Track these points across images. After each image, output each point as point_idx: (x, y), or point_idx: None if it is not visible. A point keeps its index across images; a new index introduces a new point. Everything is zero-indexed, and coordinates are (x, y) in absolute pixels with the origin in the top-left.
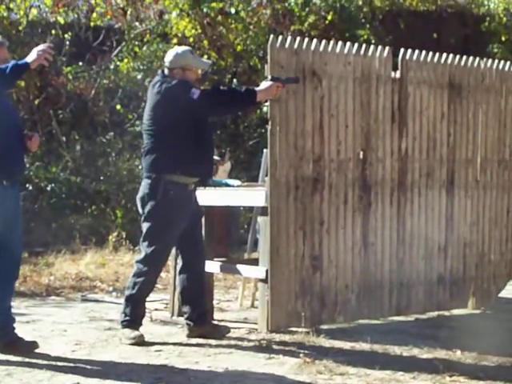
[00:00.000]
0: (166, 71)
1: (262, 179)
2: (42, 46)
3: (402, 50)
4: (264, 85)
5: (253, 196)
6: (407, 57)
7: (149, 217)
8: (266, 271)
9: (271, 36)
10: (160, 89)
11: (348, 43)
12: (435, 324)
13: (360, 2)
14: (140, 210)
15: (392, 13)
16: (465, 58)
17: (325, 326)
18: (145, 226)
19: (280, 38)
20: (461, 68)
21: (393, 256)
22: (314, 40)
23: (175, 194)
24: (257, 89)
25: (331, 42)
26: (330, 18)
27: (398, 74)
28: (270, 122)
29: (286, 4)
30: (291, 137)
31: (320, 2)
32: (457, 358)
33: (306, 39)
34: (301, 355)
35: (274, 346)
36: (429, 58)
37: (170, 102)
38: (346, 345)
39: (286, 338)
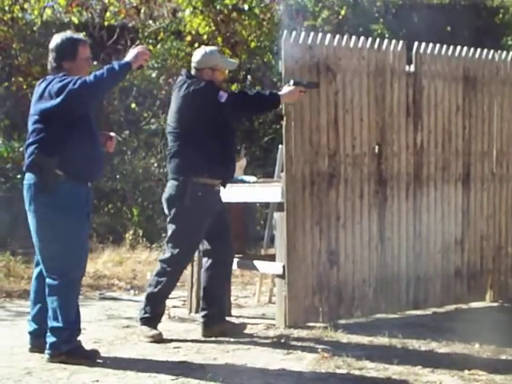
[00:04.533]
0: (193, 71)
1: (278, 175)
2: (140, 48)
3: (416, 43)
4: (287, 89)
5: (269, 192)
6: (421, 50)
7: (176, 218)
8: (283, 267)
9: (284, 31)
10: (188, 91)
11: (362, 37)
12: (453, 317)
13: None
14: (166, 211)
15: (405, 6)
16: (479, 50)
17: (342, 321)
18: (171, 227)
19: (293, 33)
20: (475, 61)
21: (409, 250)
22: (328, 35)
23: (203, 195)
24: (280, 93)
25: (345, 37)
26: (343, 12)
27: (412, 68)
28: (284, 118)
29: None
30: (306, 132)
31: None
32: (475, 352)
33: (320, 34)
34: (319, 350)
35: (292, 342)
36: (443, 52)
37: (197, 104)
38: (364, 339)
39: (304, 333)
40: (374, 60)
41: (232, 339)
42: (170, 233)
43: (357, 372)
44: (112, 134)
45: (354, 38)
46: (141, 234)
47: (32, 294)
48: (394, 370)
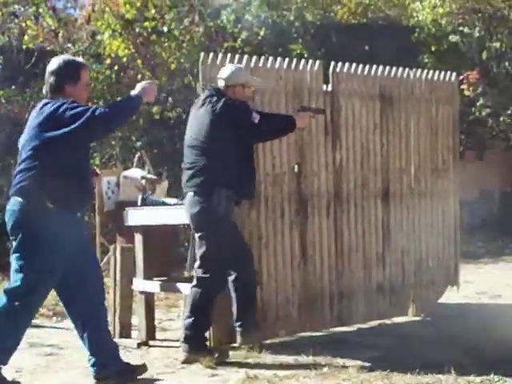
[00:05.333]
0: (222, 87)
1: None
2: (148, 82)
3: (333, 63)
4: (298, 114)
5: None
6: (338, 70)
7: (209, 233)
8: None
9: (201, 53)
10: (222, 107)
11: (279, 58)
12: (377, 333)
13: (291, 17)
14: (193, 227)
15: (324, 26)
16: (394, 69)
17: (267, 341)
18: (203, 243)
19: (211, 55)
20: (391, 79)
21: (332, 267)
22: (245, 56)
23: (230, 210)
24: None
25: (262, 58)
26: (262, 33)
27: (329, 87)
28: None
29: (219, 21)
30: None
31: (252, 18)
32: (398, 365)
33: (237, 55)
34: (244, 371)
35: (217, 363)
36: (359, 71)
37: (231, 122)
38: (289, 358)
39: (229, 354)
40: (291, 80)
41: (157, 362)
42: (202, 250)
43: None
44: (96, 169)
45: (270, 58)
46: None
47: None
48: None
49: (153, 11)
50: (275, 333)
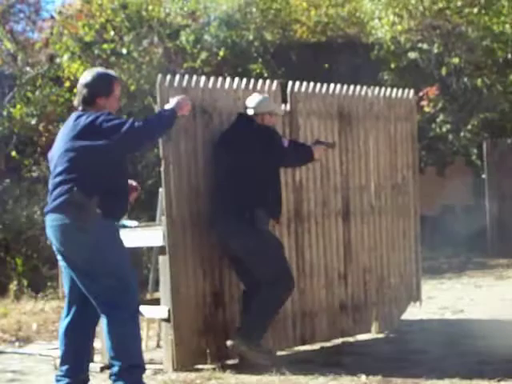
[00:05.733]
0: (252, 115)
1: (159, 218)
2: (183, 97)
3: (290, 82)
4: (314, 147)
5: (150, 236)
6: (296, 89)
7: (255, 245)
8: (169, 311)
9: (159, 75)
10: (258, 133)
11: (236, 79)
12: (340, 351)
13: (251, 37)
14: (237, 246)
15: (283, 46)
16: (352, 87)
17: (230, 361)
18: (253, 259)
19: (169, 76)
20: (349, 97)
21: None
22: (203, 77)
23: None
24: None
25: (220, 79)
26: (221, 53)
27: (287, 107)
28: (163, 162)
29: (178, 42)
30: (185, 175)
31: (211, 38)
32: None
33: (195, 77)
34: None
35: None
36: (317, 90)
37: (266, 146)
38: (253, 378)
39: (193, 376)
40: None
41: None
42: (256, 263)
43: None
44: (136, 184)
45: (228, 79)
46: (26, 284)
47: None
48: None
49: (111, 33)
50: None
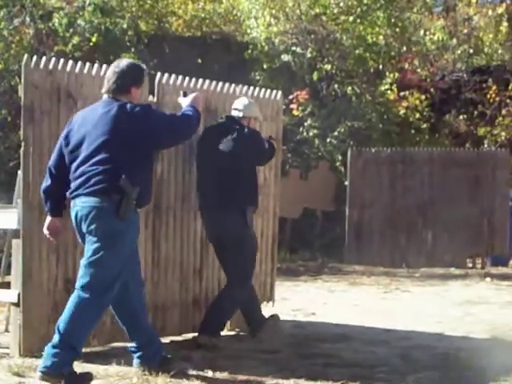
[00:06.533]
0: (238, 118)
1: (16, 201)
2: (197, 94)
3: (159, 74)
4: (270, 143)
5: (4, 218)
6: (163, 81)
7: (243, 246)
8: (18, 295)
9: (25, 56)
10: (247, 136)
11: (104, 65)
12: (191, 346)
13: (125, 25)
14: (229, 244)
15: (157, 37)
16: (221, 84)
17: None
18: (241, 256)
19: (35, 57)
20: (217, 94)
21: (148, 279)
22: (70, 61)
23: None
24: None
25: (87, 64)
26: (94, 40)
27: (154, 99)
28: (23, 144)
29: (50, 24)
30: (45, 158)
31: (85, 23)
32: (208, 379)
33: (62, 60)
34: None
35: (26, 371)
36: (185, 83)
37: (253, 147)
38: (99, 368)
39: (39, 362)
40: None
41: None
42: (229, 258)
43: None
44: None
45: (96, 65)
46: None
47: None
48: None
49: None
50: (88, 342)
